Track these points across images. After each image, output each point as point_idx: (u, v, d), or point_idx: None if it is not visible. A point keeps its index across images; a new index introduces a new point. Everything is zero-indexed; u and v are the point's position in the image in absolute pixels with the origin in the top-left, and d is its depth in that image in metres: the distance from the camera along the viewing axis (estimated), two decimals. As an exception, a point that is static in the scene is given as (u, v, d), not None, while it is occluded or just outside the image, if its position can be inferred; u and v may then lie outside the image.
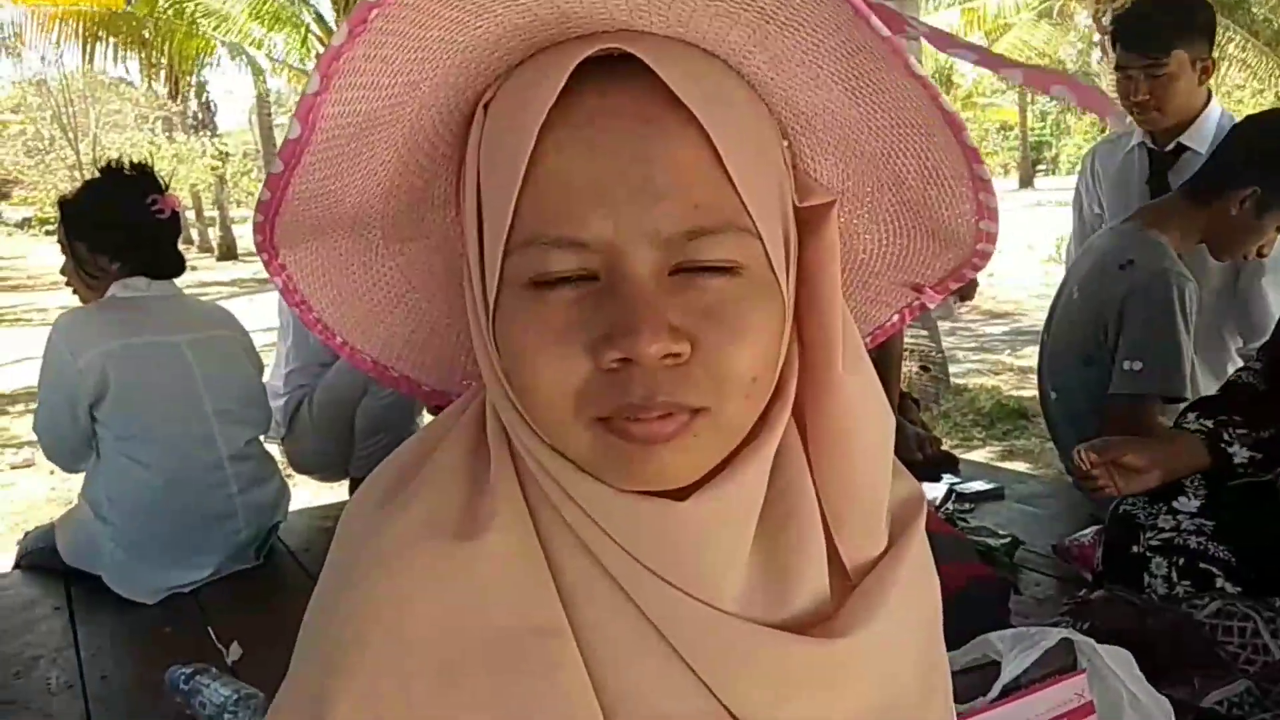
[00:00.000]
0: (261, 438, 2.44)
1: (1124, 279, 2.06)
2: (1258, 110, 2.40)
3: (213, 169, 26.13)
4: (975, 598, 1.56)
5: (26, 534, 2.52)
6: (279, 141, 0.61)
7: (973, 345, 8.00)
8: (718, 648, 0.51)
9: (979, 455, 4.52)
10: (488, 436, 0.56)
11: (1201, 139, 2.45)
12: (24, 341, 9.23)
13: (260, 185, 0.55)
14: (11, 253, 25.13)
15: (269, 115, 21.00)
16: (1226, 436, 1.62)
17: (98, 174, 2.30)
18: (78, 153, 25.98)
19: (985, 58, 0.52)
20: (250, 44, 12.40)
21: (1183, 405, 1.92)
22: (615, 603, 0.51)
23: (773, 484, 0.53)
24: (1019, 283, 11.01)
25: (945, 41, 0.48)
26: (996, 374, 6.79)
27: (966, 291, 2.64)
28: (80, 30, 11.09)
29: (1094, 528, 1.87)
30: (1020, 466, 4.35)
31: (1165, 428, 1.89)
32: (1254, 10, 14.47)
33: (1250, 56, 14.09)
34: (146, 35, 11.45)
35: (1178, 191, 2.19)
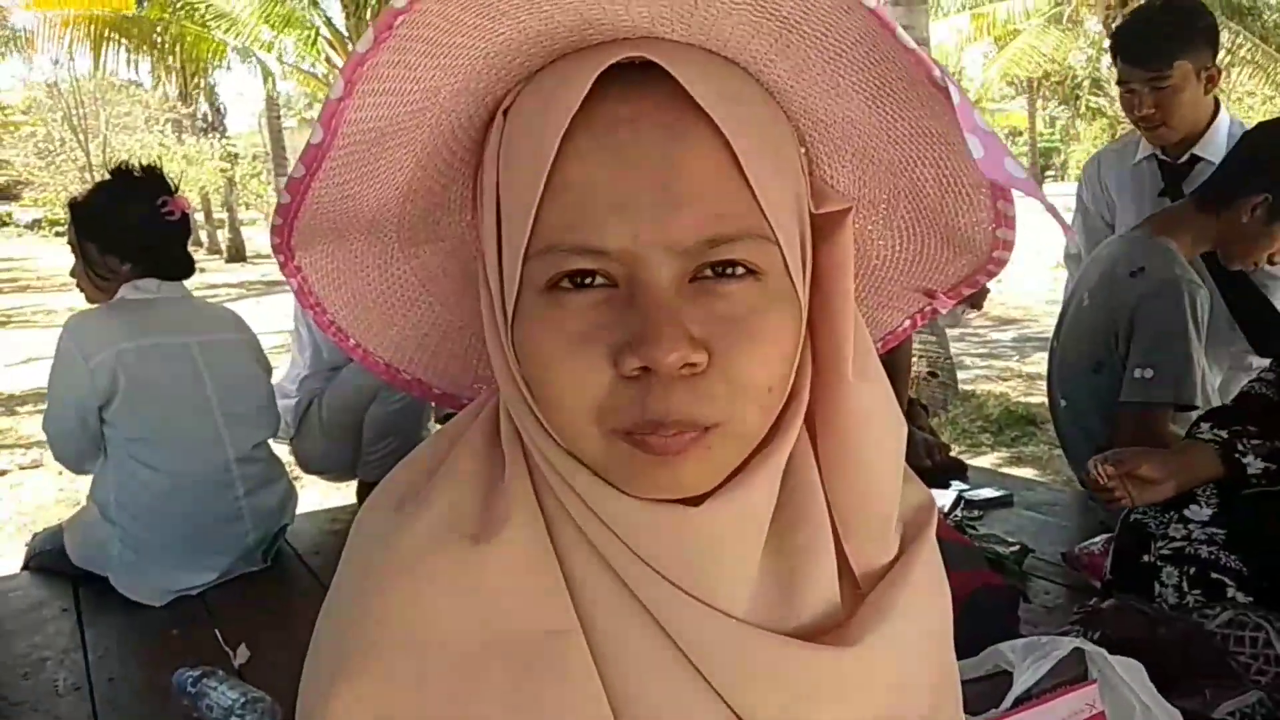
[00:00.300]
0: (270, 440, 2.45)
1: (1135, 286, 2.05)
2: (1268, 118, 2.36)
3: (222, 171, 26.23)
4: (984, 606, 1.55)
5: (35, 535, 2.53)
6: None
7: (981, 351, 7.99)
8: (730, 655, 0.51)
9: (987, 461, 4.51)
10: (502, 440, 0.56)
11: (1215, 149, 2.41)
12: (33, 342, 9.28)
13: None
14: (21, 254, 25.24)
15: (279, 118, 21.03)
16: (1241, 447, 1.61)
17: (108, 176, 2.30)
18: (88, 154, 26.07)
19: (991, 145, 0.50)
20: (260, 47, 12.44)
21: (1194, 413, 1.91)
22: (628, 608, 0.51)
23: (782, 489, 0.53)
24: (1028, 289, 10.99)
25: (968, 116, 0.48)
26: (1005, 380, 6.78)
27: (977, 300, 2.62)
28: (92, 33, 11.16)
29: (1104, 536, 1.86)
30: (1029, 473, 4.33)
31: (1177, 436, 1.88)
32: (1265, 15, 14.43)
33: (1263, 60, 14.06)
34: (157, 38, 11.51)
35: (1188, 199, 2.18)
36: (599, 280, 0.48)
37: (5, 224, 32.38)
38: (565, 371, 0.48)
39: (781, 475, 0.53)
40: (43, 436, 2.35)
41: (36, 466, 5.55)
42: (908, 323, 0.69)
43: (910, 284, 0.66)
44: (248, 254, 24.05)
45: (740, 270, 0.49)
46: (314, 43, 12.36)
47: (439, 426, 2.87)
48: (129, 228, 2.21)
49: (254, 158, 29.91)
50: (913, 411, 2.78)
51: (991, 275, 0.63)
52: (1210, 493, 1.63)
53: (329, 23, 12.36)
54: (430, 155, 0.55)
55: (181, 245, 2.32)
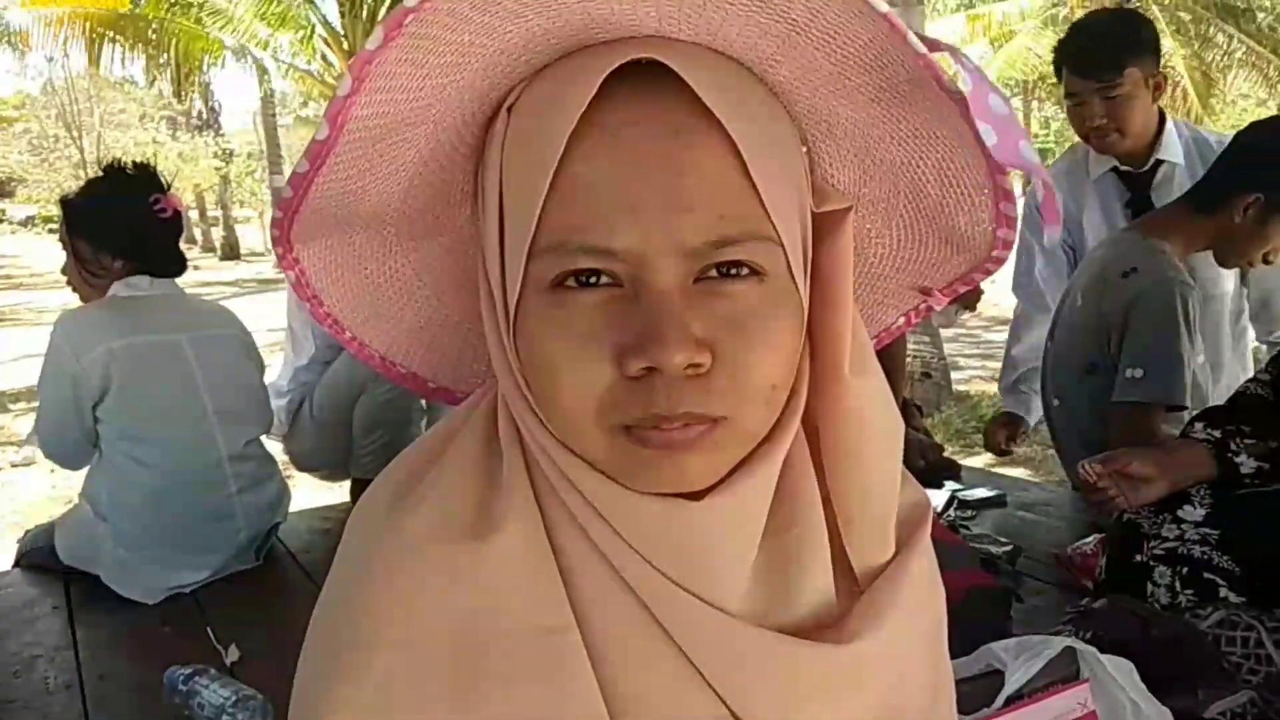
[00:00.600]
0: (263, 438, 2.44)
1: (1127, 287, 2.06)
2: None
3: (216, 169, 26.19)
4: (977, 605, 1.56)
5: (26, 533, 2.52)
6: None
7: (975, 352, 8.01)
8: (727, 653, 0.51)
9: (980, 462, 4.51)
10: (499, 436, 0.56)
11: (1175, 151, 2.43)
12: (26, 340, 9.25)
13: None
14: (14, 251, 25.17)
15: (274, 116, 21.03)
16: (1234, 446, 1.62)
17: (101, 173, 2.30)
18: (81, 151, 26.02)
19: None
20: (256, 45, 12.41)
21: (1184, 413, 1.92)
22: (625, 605, 0.51)
23: (777, 486, 0.53)
24: (1022, 290, 10.98)
25: (981, 102, 0.48)
26: (998, 381, 6.78)
27: (971, 300, 2.63)
28: (86, 30, 11.13)
29: (1096, 536, 1.87)
30: (1022, 474, 4.34)
31: (1170, 436, 1.89)
32: (1259, 17, 14.47)
33: (1258, 61, 14.10)
34: (152, 35, 11.49)
35: (1180, 199, 2.18)
36: (604, 280, 0.48)
37: (-2, 221, 32.30)
38: (568, 370, 0.48)
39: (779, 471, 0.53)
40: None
41: (29, 464, 5.54)
42: (902, 320, 0.69)
43: (907, 282, 0.66)
44: (242, 252, 24.03)
45: (745, 271, 0.49)
46: (309, 41, 12.34)
47: (430, 417, 2.85)
48: (122, 224, 2.21)
49: (249, 156, 29.89)
50: (907, 412, 2.79)
51: (988, 274, 0.64)
52: (1204, 493, 1.63)
53: (325, 21, 12.33)
54: (433, 151, 0.55)
55: (174, 242, 2.31)
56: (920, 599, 0.59)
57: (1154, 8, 13.95)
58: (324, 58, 12.61)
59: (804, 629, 0.53)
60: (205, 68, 12.41)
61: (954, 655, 0.65)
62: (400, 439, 2.76)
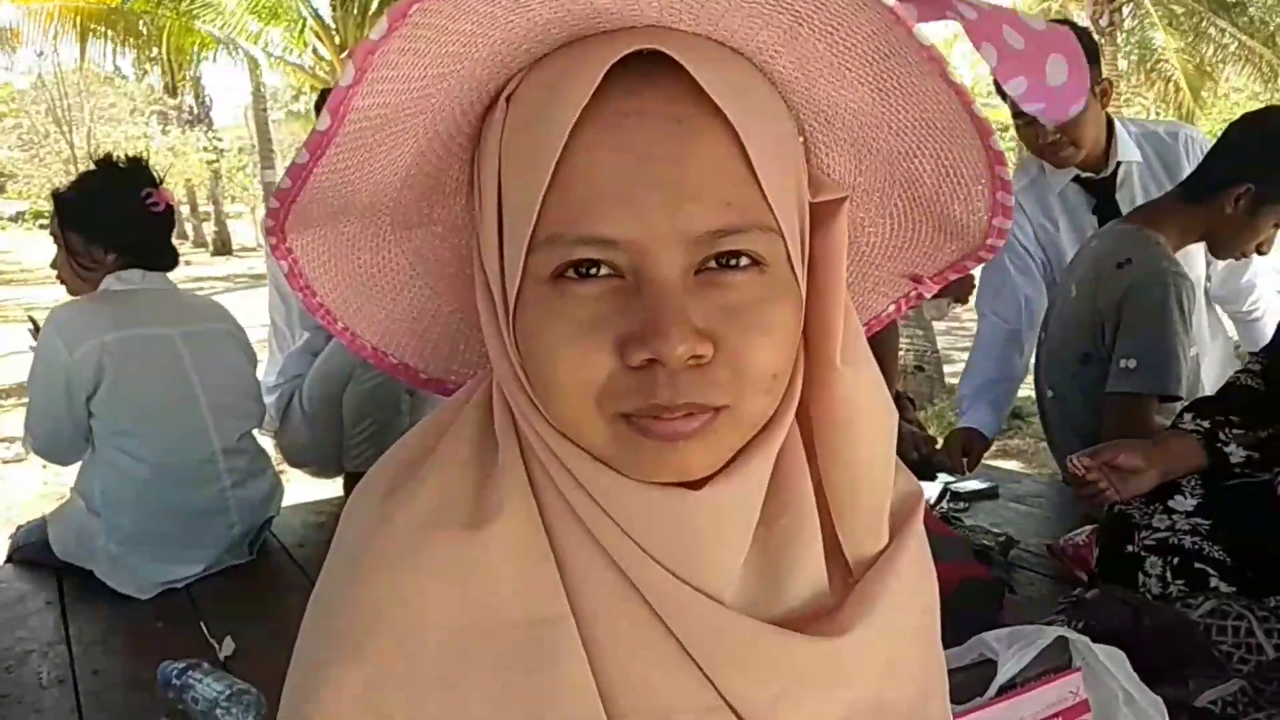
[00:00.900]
0: (255, 432, 2.44)
1: (1122, 278, 2.06)
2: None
3: (208, 164, 26.09)
4: (970, 596, 1.56)
5: (18, 528, 2.51)
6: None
7: (967, 345, 7.99)
8: (721, 643, 0.51)
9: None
10: (495, 427, 0.56)
11: (1130, 150, 2.43)
12: (16, 336, 9.21)
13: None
14: (5, 246, 25.06)
15: (265, 110, 20.96)
16: (1223, 436, 1.62)
17: (93, 167, 2.29)
18: (72, 146, 25.90)
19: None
20: (247, 38, 12.36)
21: (1179, 404, 1.92)
22: (620, 594, 0.51)
23: (770, 475, 0.53)
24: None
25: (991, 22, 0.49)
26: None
27: (963, 293, 2.63)
28: (77, 25, 11.07)
29: (1089, 527, 1.88)
30: (1015, 466, 4.35)
31: (1162, 427, 1.90)
32: (1250, 10, 14.48)
33: (1251, 55, 14.12)
34: (143, 29, 11.43)
35: (1173, 191, 2.19)
36: (604, 271, 0.48)
37: (-12, 216, 32.15)
38: (567, 359, 0.48)
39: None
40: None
41: (20, 460, 5.53)
42: (892, 307, 0.69)
43: (898, 269, 0.66)
44: (233, 247, 23.95)
45: (745, 262, 0.49)
46: (301, 34, 12.28)
47: (414, 402, 2.83)
48: (115, 218, 2.20)
49: (240, 150, 29.78)
50: (899, 404, 2.79)
51: (981, 261, 0.64)
52: (1195, 484, 1.64)
53: (316, 15, 12.28)
54: (430, 141, 0.55)
55: (166, 237, 2.31)
56: (913, 589, 0.59)
57: (1146, 1, 13.96)
58: (316, 51, 12.56)
59: (797, 618, 0.53)
60: (196, 62, 12.35)
61: (947, 646, 0.65)
62: (388, 427, 2.76)
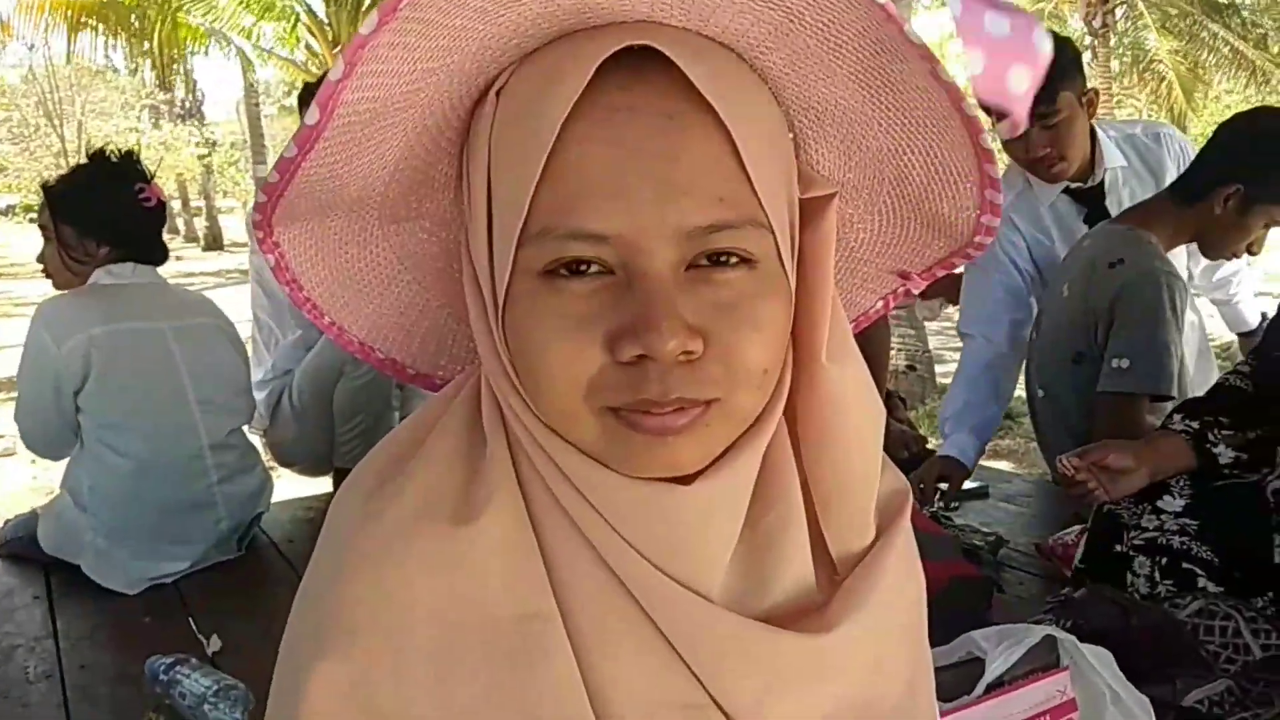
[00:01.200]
0: (245, 428, 2.43)
1: (1114, 278, 2.06)
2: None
3: (200, 159, 26.00)
4: (959, 595, 1.57)
5: (6, 523, 2.50)
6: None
7: (958, 345, 8.01)
8: (708, 640, 0.51)
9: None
10: (483, 422, 0.56)
11: (1115, 156, 2.42)
12: (5, 331, 9.16)
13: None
14: (-5, 240, 24.94)
15: (257, 105, 20.88)
16: (1212, 437, 1.63)
17: (85, 160, 2.28)
18: (63, 140, 25.80)
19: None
20: (239, 33, 12.31)
21: (1170, 404, 1.93)
22: (608, 590, 0.51)
23: (758, 472, 0.53)
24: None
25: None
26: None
27: (954, 295, 2.63)
28: (68, 18, 11.02)
29: (1077, 527, 1.88)
30: (1005, 466, 4.36)
31: (1154, 426, 1.90)
32: (1242, 13, 14.54)
33: (1244, 61, 14.19)
34: (134, 23, 11.38)
35: (1163, 192, 2.20)
36: (595, 268, 0.48)
37: (-22, 210, 32.00)
38: (558, 354, 0.48)
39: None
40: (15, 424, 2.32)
41: (9, 455, 5.50)
42: (880, 304, 0.69)
43: (886, 266, 0.66)
44: (225, 242, 23.85)
45: (735, 259, 0.49)
46: (294, 29, 12.24)
47: (404, 396, 2.82)
48: (109, 211, 2.19)
49: (232, 145, 29.67)
50: (890, 404, 2.80)
51: (969, 258, 0.64)
52: (1183, 484, 1.65)
53: (309, 10, 12.24)
54: (419, 135, 0.55)
55: (158, 231, 2.30)
56: (900, 586, 0.59)
57: (1139, 3, 14.01)
58: (308, 47, 12.52)
59: (783, 615, 0.53)
60: (188, 57, 12.30)
61: (935, 644, 0.65)
62: (379, 424, 2.76)
